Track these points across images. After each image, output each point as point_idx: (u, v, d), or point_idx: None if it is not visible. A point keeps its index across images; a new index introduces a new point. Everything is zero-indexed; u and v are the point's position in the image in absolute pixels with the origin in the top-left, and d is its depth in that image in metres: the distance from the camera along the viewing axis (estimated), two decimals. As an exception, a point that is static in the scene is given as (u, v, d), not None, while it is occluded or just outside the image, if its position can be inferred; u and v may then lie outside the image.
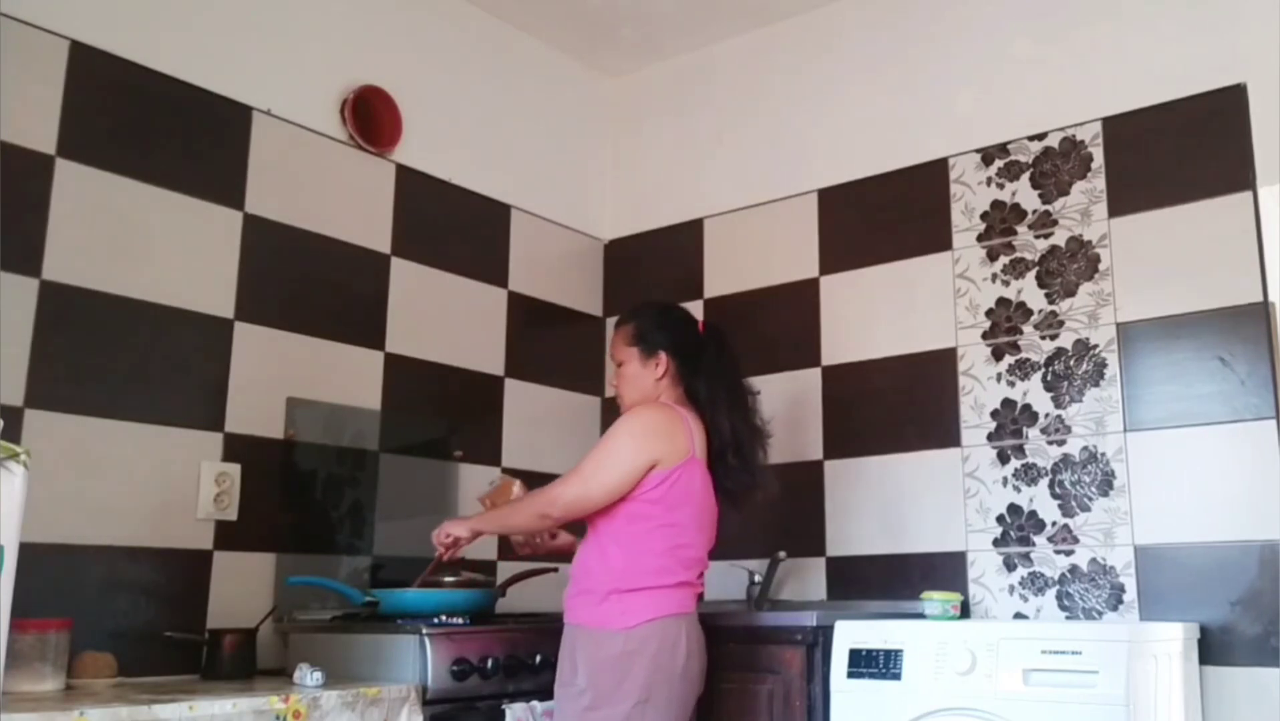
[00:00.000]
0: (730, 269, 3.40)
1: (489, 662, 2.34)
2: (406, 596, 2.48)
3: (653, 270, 3.57)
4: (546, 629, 2.46)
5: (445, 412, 3.11)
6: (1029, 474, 2.73)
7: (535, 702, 2.36)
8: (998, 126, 2.92)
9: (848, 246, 3.15)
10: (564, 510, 2.27)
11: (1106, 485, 2.61)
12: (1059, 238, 2.77)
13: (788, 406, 3.09)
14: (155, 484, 2.41)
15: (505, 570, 2.99)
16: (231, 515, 2.53)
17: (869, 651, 2.36)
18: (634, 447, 2.25)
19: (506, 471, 3.19)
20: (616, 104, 3.81)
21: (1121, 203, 2.69)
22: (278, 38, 2.80)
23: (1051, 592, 2.65)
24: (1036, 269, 2.80)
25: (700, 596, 2.34)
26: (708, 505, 2.32)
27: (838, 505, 3.03)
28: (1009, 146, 2.90)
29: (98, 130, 2.41)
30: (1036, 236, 2.81)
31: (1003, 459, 2.77)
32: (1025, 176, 2.85)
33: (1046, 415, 2.72)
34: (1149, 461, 2.56)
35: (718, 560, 2.50)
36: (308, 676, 2.13)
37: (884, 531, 2.93)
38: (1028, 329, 2.79)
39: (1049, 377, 2.73)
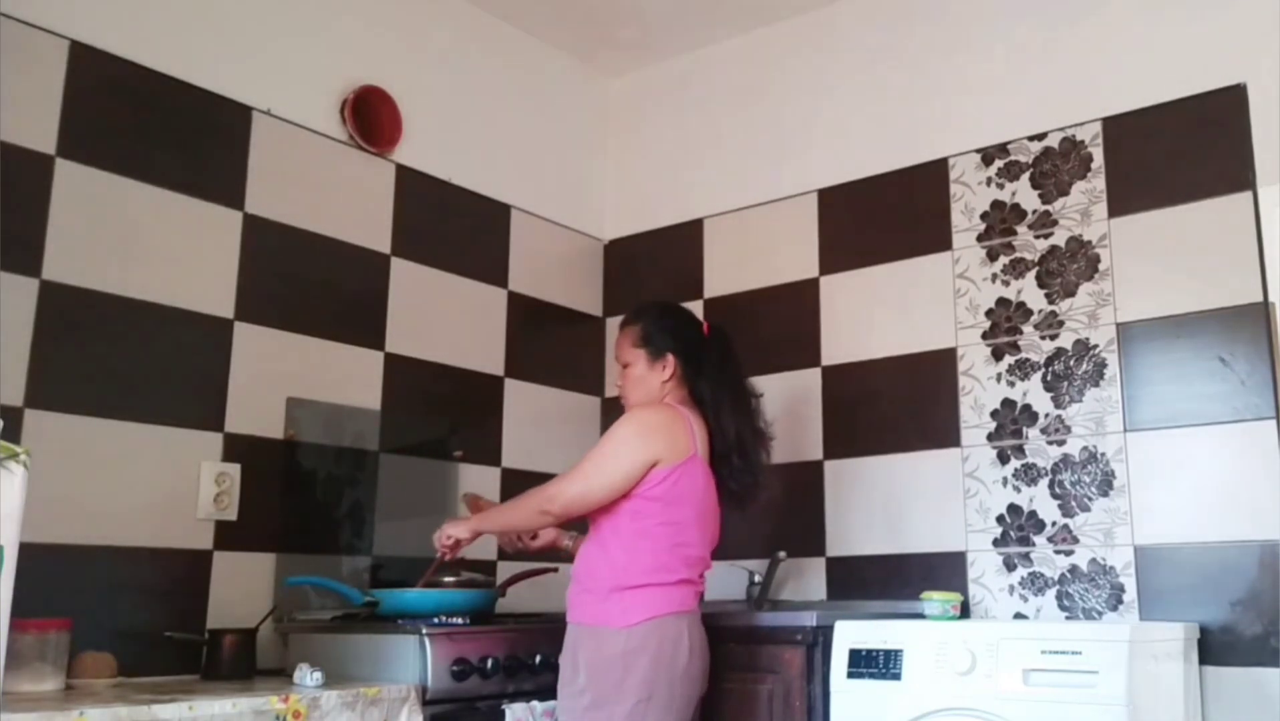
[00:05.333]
0: (730, 269, 3.40)
1: (489, 662, 2.34)
2: (406, 596, 2.48)
3: (653, 270, 3.57)
4: (546, 629, 2.46)
5: (445, 412, 3.11)
6: (1029, 474, 2.73)
7: (535, 702, 2.36)
8: (998, 126, 2.92)
9: (848, 246, 3.15)
10: (563, 507, 2.27)
11: (1106, 485, 2.61)
12: (1059, 238, 2.77)
13: (788, 406, 3.09)
14: (155, 484, 2.41)
15: (505, 570, 2.99)
16: (231, 515, 2.53)
17: (869, 651, 2.36)
18: (635, 446, 2.25)
19: (508, 471, 3.20)
20: (616, 104, 3.81)
21: (1121, 203, 2.69)
22: (278, 38, 2.80)
23: (1051, 592, 2.65)
24: (1036, 269, 2.80)
25: (701, 595, 2.35)
26: (709, 504, 2.33)
27: (838, 505, 3.03)
28: (1009, 146, 2.90)
29: (98, 130, 2.41)
30: (1036, 236, 2.81)
31: (1003, 459, 2.77)
32: (1025, 176, 2.85)
33: (1046, 415, 2.72)
34: (1149, 461, 2.56)
35: (718, 560, 2.49)
36: (307, 676, 2.13)
37: (884, 531, 2.93)
38: (1028, 329, 2.79)
39: (1049, 378, 2.73)
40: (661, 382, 2.39)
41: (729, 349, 2.46)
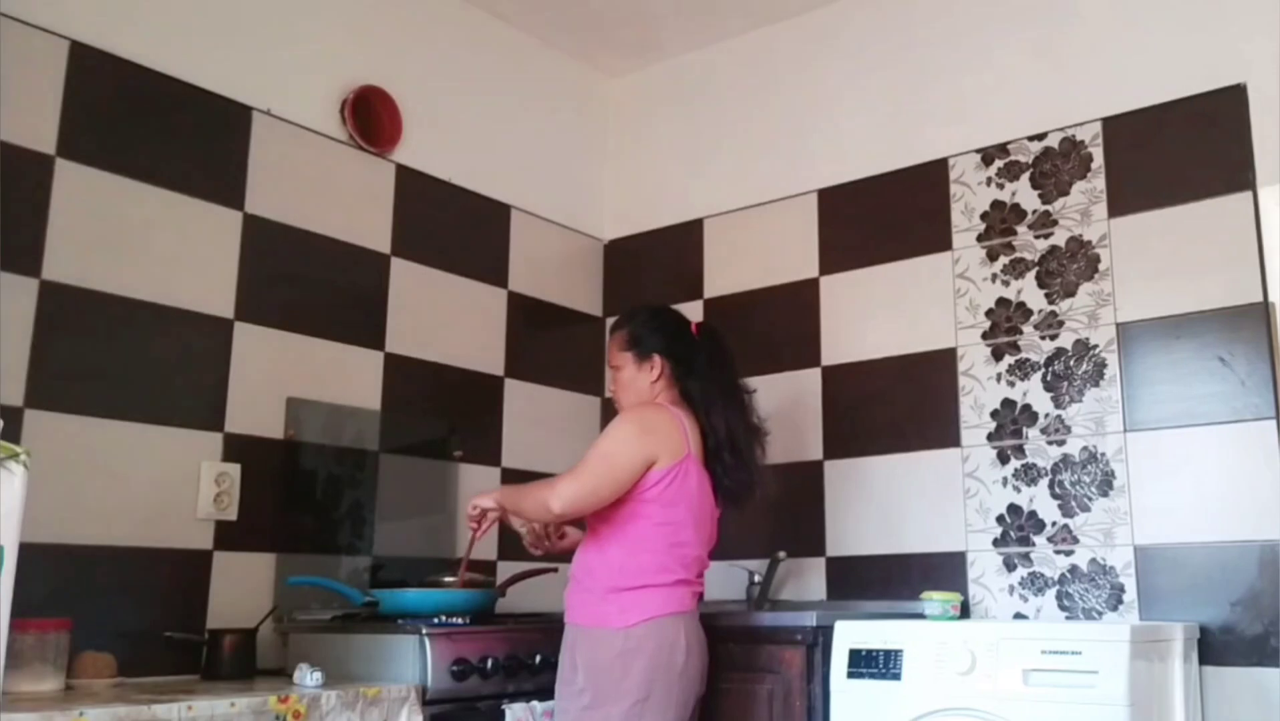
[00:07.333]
0: (730, 269, 3.40)
1: (489, 662, 2.34)
2: (406, 596, 2.48)
3: (653, 270, 3.57)
4: (546, 629, 2.46)
5: (445, 413, 3.11)
6: (1029, 474, 2.73)
7: (535, 702, 2.36)
8: (998, 126, 2.92)
9: (848, 246, 3.15)
10: (565, 505, 2.25)
11: (1106, 485, 2.61)
12: (1059, 238, 2.77)
13: (787, 406, 3.09)
14: (155, 484, 2.41)
15: (505, 570, 2.99)
16: (231, 515, 2.53)
17: (869, 651, 2.36)
18: (634, 445, 2.25)
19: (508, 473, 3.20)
20: (616, 104, 3.81)
21: (1121, 203, 2.69)
22: (278, 38, 2.80)
23: (1051, 592, 2.65)
24: (1036, 269, 2.80)
25: (700, 596, 2.34)
26: (705, 504, 2.32)
27: (838, 505, 3.03)
28: (1009, 146, 2.90)
29: (98, 130, 2.41)
30: (1036, 236, 2.81)
31: (1003, 459, 2.77)
32: (1025, 176, 2.85)
33: (1046, 415, 2.72)
34: (1149, 461, 2.56)
35: (718, 560, 2.50)
36: (307, 676, 2.13)
37: (884, 531, 2.93)
38: (1028, 329, 2.79)
39: (1049, 378, 2.73)
40: (650, 384, 2.40)
41: (720, 347, 2.46)
